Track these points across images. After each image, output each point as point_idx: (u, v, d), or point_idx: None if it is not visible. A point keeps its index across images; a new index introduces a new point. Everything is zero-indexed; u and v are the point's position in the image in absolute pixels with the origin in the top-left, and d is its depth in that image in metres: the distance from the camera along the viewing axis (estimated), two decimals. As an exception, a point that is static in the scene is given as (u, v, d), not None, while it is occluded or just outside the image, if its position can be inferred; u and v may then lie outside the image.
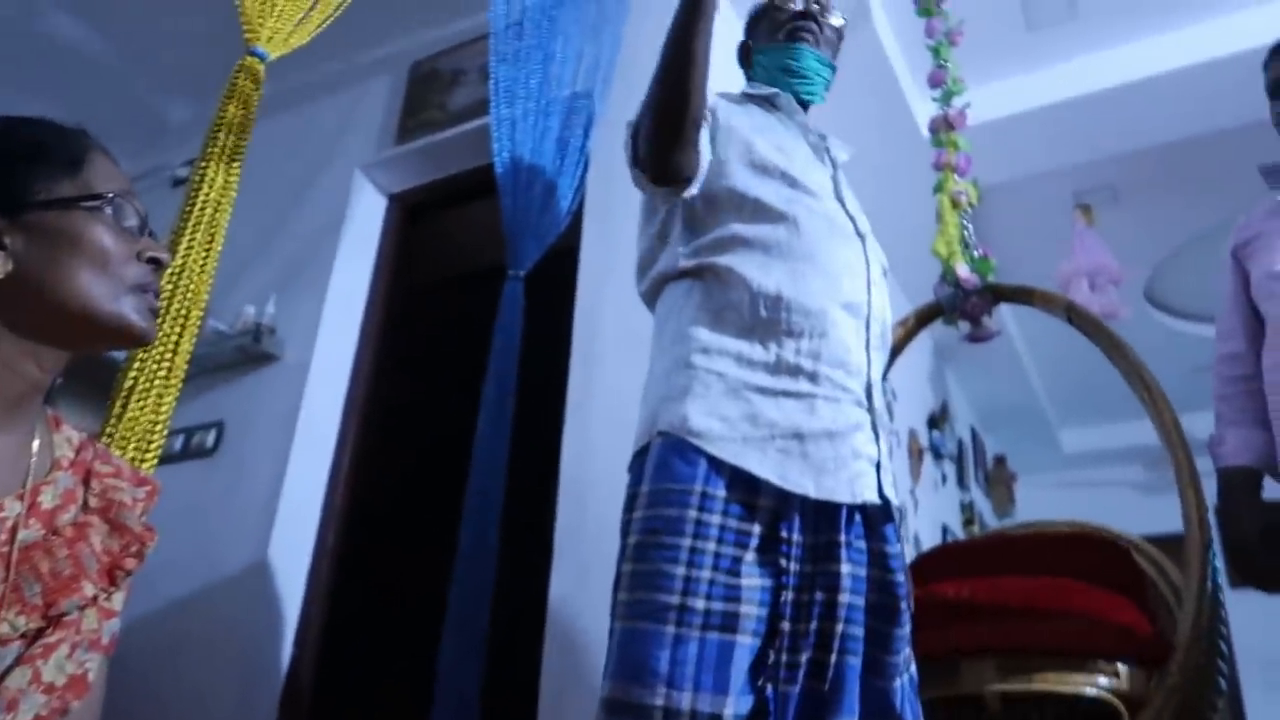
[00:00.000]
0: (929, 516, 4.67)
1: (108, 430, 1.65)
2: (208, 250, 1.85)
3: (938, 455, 5.00)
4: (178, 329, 1.76)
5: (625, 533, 1.33)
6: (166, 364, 1.74)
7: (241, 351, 2.94)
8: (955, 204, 2.72)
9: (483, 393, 2.31)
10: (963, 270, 2.58)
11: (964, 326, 2.62)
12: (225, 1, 2.14)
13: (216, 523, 2.71)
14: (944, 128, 2.83)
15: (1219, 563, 1.98)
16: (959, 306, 2.58)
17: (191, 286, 1.80)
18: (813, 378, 1.36)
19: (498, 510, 2.19)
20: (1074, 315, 2.40)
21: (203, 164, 1.91)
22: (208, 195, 1.88)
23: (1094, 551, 2.20)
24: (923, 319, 2.64)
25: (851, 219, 1.54)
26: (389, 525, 2.83)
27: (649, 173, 1.47)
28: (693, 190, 1.49)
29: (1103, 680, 1.94)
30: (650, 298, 1.59)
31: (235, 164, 1.95)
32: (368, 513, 2.89)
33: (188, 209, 1.86)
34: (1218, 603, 1.98)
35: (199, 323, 1.82)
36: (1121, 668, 1.95)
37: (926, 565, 2.35)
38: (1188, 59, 3.45)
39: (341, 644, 2.70)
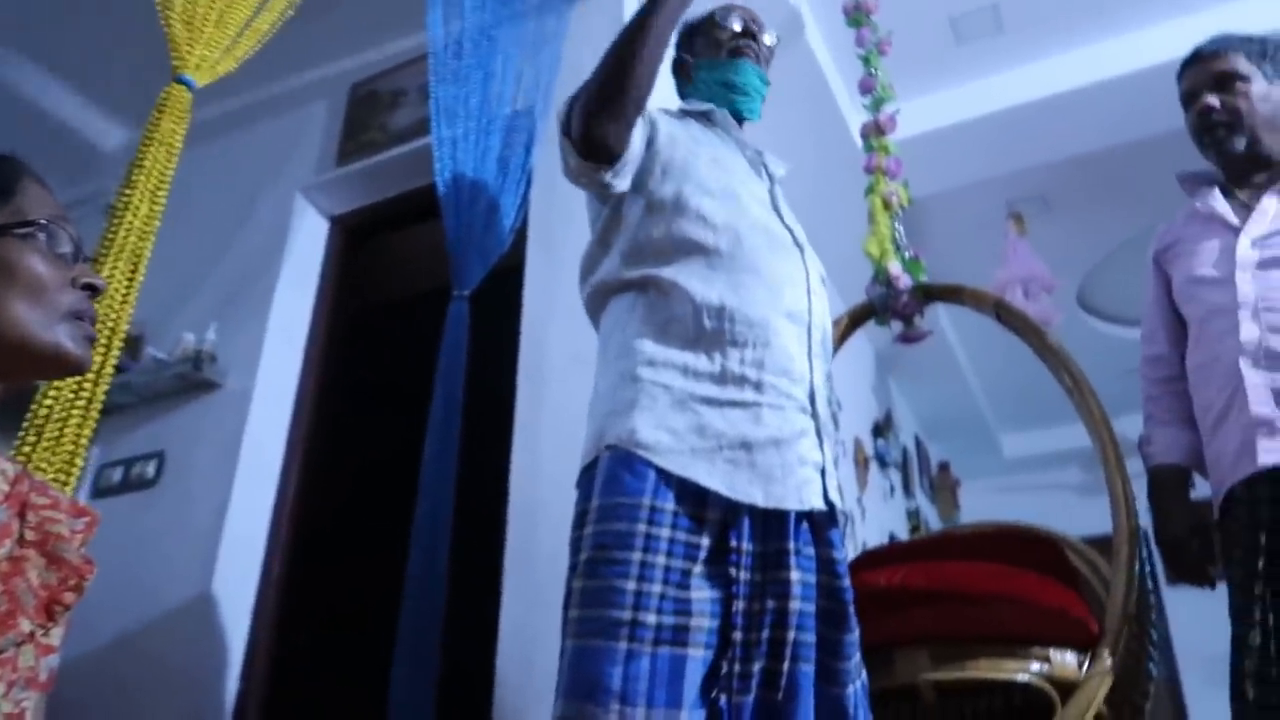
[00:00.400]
0: (876, 524, 4.73)
1: (16, 460, 1.60)
2: (131, 279, 1.82)
3: (883, 464, 5.07)
4: (99, 357, 1.73)
5: (575, 549, 1.32)
6: (86, 393, 1.70)
7: (181, 379, 2.88)
8: (887, 205, 2.79)
9: (429, 414, 2.30)
10: (894, 269, 2.63)
11: (896, 326, 2.67)
12: (160, 26, 2.12)
13: (159, 554, 2.64)
14: (875, 132, 2.90)
15: (1148, 551, 2.03)
16: (891, 306, 2.63)
17: (113, 315, 1.77)
18: (758, 387, 1.38)
19: (447, 533, 2.17)
20: (1002, 313, 2.45)
21: (127, 192, 1.89)
22: (131, 223, 1.85)
23: (1028, 544, 2.21)
24: (856, 319, 2.68)
25: (789, 230, 1.56)
26: (336, 552, 2.79)
27: (577, 143, 1.47)
28: (619, 183, 1.50)
29: (1036, 666, 1.92)
30: (592, 307, 1.59)
31: (161, 192, 1.93)
32: (314, 540, 2.84)
33: (110, 236, 1.83)
34: (1147, 589, 2.01)
35: (119, 351, 1.79)
36: (1055, 654, 1.94)
37: (861, 562, 2.35)
38: (1112, 71, 3.58)
39: (290, 675, 2.64)
